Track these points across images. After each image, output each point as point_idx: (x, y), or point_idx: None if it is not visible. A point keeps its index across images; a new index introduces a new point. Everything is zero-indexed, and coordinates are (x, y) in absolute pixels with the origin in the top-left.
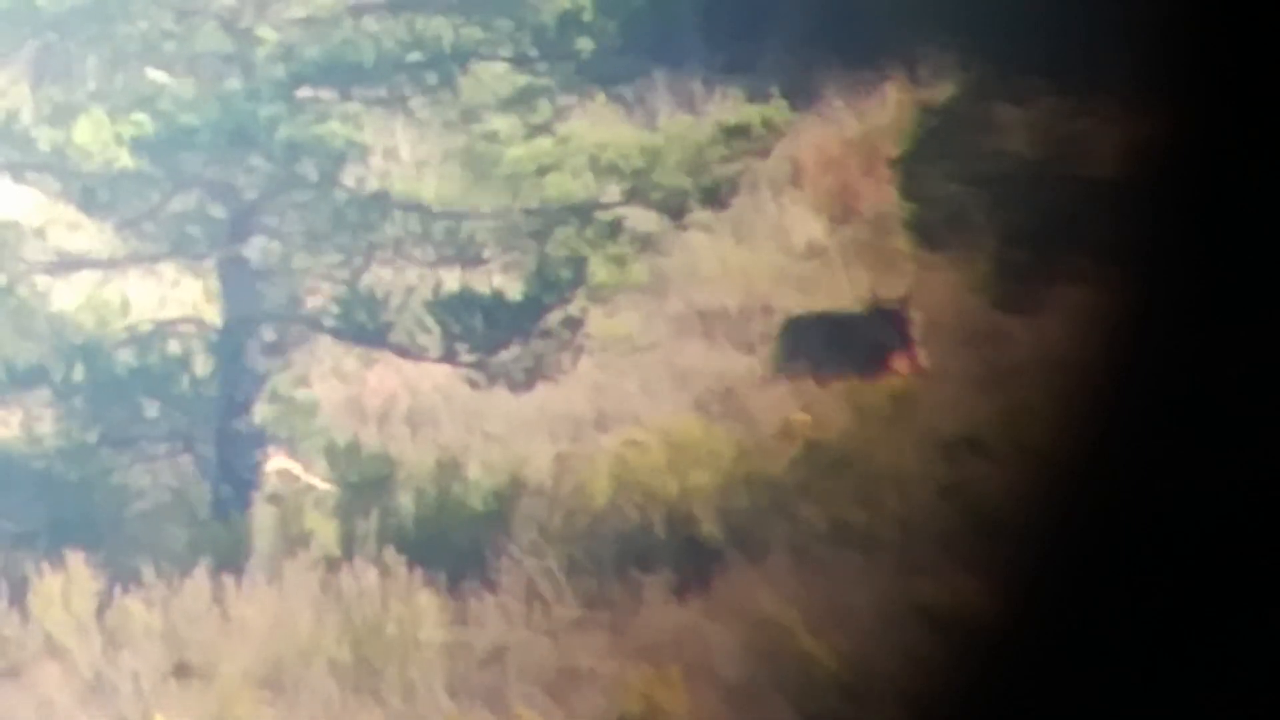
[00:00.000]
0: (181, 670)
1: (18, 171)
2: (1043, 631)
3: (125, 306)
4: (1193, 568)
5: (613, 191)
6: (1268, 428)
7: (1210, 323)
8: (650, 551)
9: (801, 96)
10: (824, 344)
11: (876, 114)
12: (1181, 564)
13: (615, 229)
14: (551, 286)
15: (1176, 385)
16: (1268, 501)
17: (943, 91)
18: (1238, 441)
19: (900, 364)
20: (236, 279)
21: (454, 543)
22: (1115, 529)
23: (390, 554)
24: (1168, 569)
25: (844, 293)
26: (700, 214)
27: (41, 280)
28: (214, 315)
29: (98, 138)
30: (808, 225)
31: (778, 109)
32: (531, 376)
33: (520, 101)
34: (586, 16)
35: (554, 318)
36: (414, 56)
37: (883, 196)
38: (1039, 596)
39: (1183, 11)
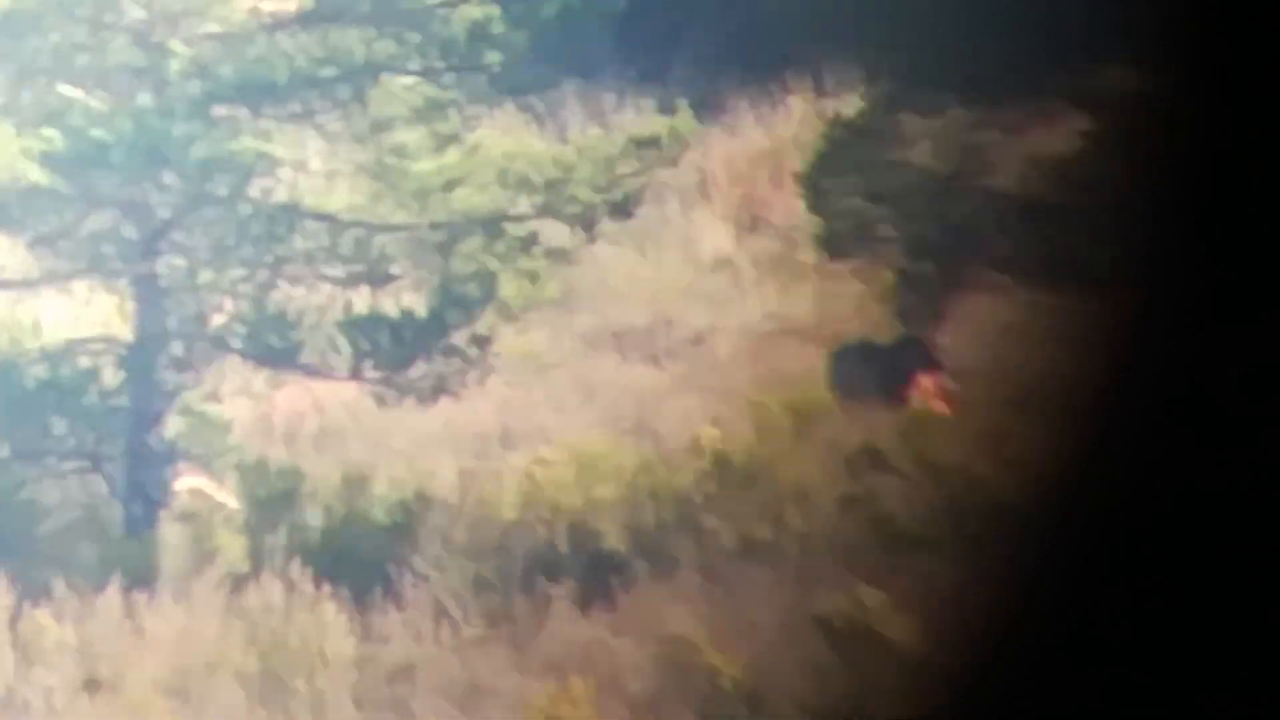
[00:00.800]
0: (92, 685)
1: None
2: (1042, 631)
3: (37, 326)
4: (1192, 568)
5: (523, 204)
6: (1268, 428)
7: (1210, 323)
8: (556, 566)
9: (709, 109)
10: (859, 370)
11: (784, 126)
12: (1181, 564)
13: (527, 243)
14: (459, 303)
15: (1177, 385)
16: (1268, 501)
17: (849, 104)
18: (1238, 441)
19: (928, 386)
20: (149, 297)
21: (360, 558)
22: (1115, 529)
23: (297, 569)
24: (1167, 569)
25: (751, 307)
26: (608, 227)
27: None
28: (126, 333)
29: (5, 152)
30: (715, 237)
31: (685, 121)
32: (438, 393)
33: (430, 113)
34: (496, 29)
35: (462, 334)
36: (327, 72)
37: (790, 209)
38: (1039, 595)
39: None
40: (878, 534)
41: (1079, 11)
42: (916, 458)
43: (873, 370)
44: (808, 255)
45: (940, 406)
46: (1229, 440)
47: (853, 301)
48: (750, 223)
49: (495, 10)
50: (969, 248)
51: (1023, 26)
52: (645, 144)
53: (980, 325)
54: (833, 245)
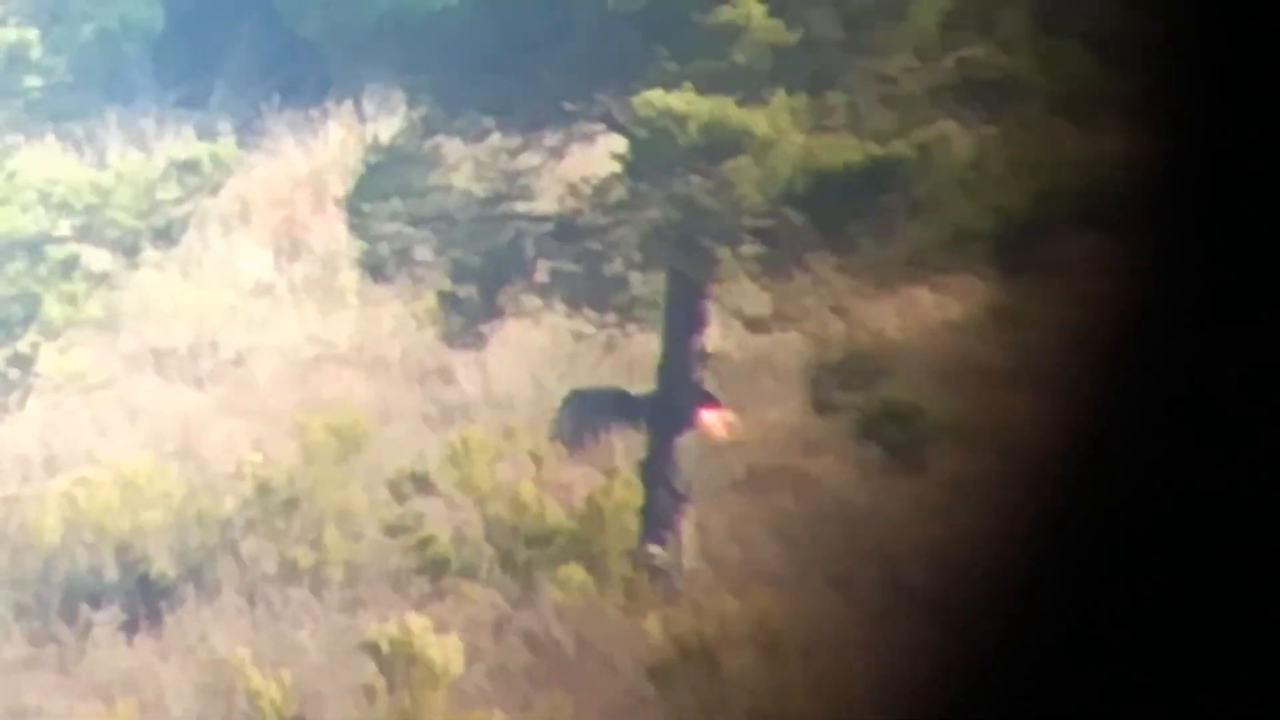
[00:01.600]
0: None
1: None
2: (1043, 633)
3: None
4: (1192, 568)
5: (64, 227)
6: (1268, 428)
7: (1210, 323)
8: (101, 591)
9: (251, 134)
10: (612, 415)
11: (324, 151)
12: (1181, 564)
13: (69, 266)
14: (1, 325)
15: (1177, 385)
16: (1268, 501)
17: (389, 128)
18: (1237, 441)
19: (712, 420)
20: None
21: None
22: (1116, 530)
23: None
24: (1167, 569)
25: (293, 331)
26: (152, 251)
27: None
28: None
29: None
30: (257, 262)
31: (226, 146)
32: None
33: None
34: (34, 53)
35: (2, 356)
36: None
37: (331, 233)
38: (1041, 597)
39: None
40: (422, 558)
41: (614, 37)
42: (461, 482)
43: (629, 415)
44: (349, 279)
45: (724, 435)
46: (1229, 440)
47: (395, 325)
48: (291, 247)
49: (33, 34)
50: (511, 271)
51: (559, 52)
52: (186, 169)
53: (521, 348)
54: (374, 269)
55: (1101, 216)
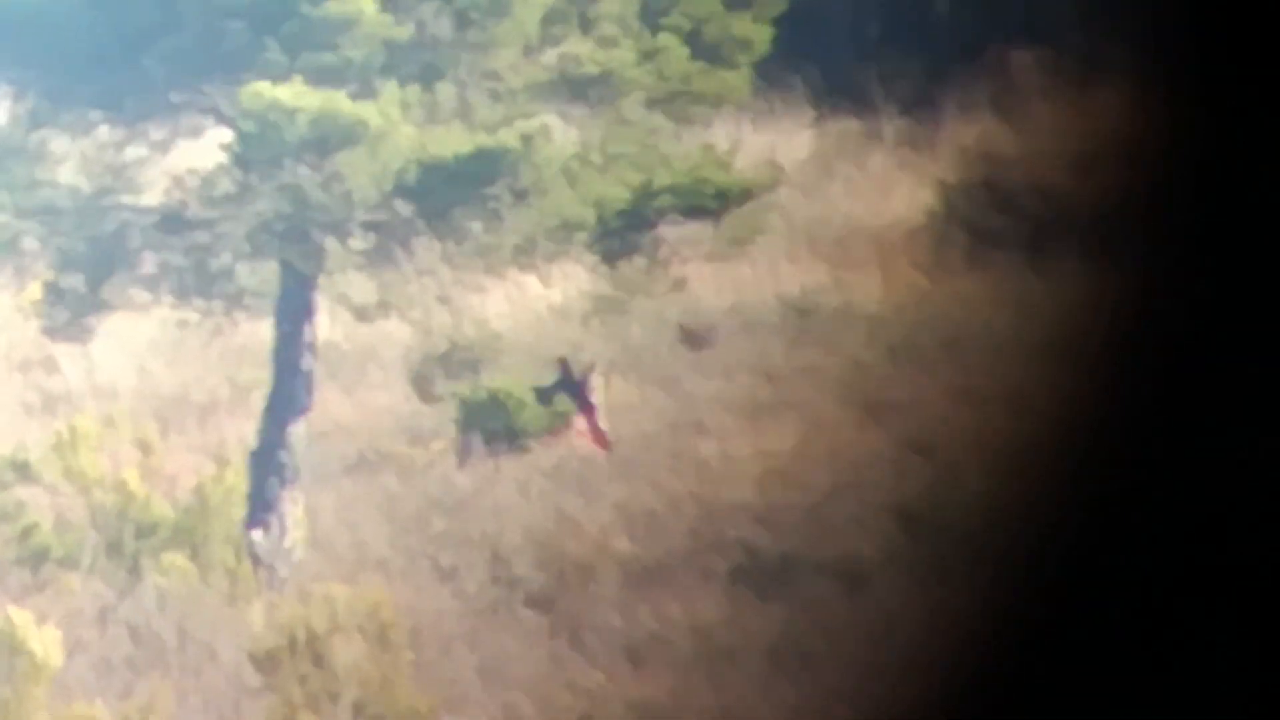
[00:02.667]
0: None
1: None
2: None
3: None
4: (1191, 568)
5: None
6: (1267, 427)
7: (1210, 322)
8: None
9: None
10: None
11: None
12: (1179, 565)
13: None
14: None
15: (1177, 384)
16: (1268, 501)
17: None
18: (1237, 441)
19: (581, 429)
20: None
21: None
22: (1114, 532)
23: None
24: (1167, 570)
25: None
26: None
27: None
28: None
29: None
30: None
31: None
32: None
33: None
34: None
35: None
36: None
37: None
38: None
39: None
40: (23, 548)
41: (223, 29)
42: (66, 470)
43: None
44: None
45: (595, 447)
46: (1229, 440)
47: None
48: None
49: None
50: (117, 263)
51: (166, 44)
52: None
53: (128, 341)
54: None
55: (701, 209)
